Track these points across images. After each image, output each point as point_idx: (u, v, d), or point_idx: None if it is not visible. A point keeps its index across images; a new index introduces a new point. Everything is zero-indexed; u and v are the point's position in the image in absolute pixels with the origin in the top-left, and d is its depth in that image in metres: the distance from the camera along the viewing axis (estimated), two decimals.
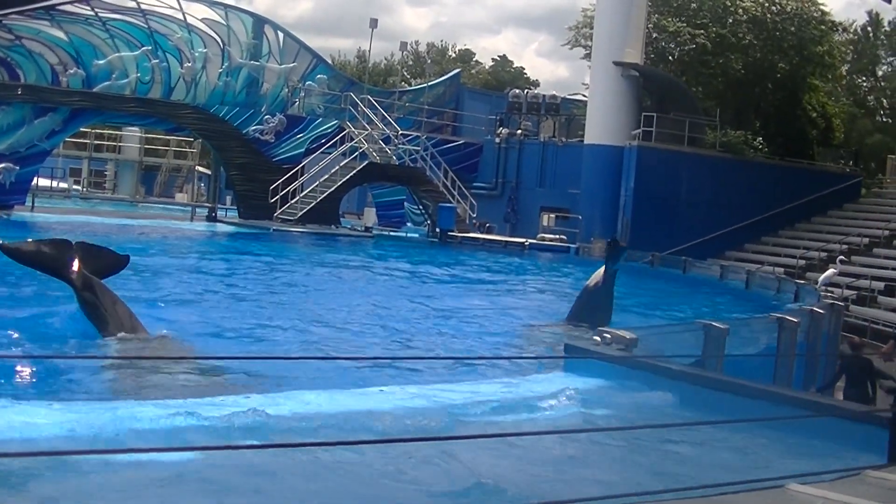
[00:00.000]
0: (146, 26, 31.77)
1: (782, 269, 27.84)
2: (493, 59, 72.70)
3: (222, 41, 33.28)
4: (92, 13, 30.86)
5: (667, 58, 39.93)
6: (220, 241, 28.68)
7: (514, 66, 71.63)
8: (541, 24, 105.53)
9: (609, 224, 32.73)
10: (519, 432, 6.59)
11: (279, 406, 6.85)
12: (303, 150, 34.18)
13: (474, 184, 37.47)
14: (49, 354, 9.26)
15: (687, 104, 34.55)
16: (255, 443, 5.67)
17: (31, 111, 29.76)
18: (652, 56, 38.26)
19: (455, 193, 34.58)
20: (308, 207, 32.04)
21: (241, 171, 33.56)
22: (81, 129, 36.07)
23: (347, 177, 32.76)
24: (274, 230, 30.78)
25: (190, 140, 42.06)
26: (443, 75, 44.67)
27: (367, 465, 5.76)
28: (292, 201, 32.44)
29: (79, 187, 43.20)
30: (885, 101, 49.63)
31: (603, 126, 33.73)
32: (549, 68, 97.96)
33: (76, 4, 30.51)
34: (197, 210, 36.60)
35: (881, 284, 24.52)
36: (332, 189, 32.54)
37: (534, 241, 32.84)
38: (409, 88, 43.72)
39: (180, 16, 32.44)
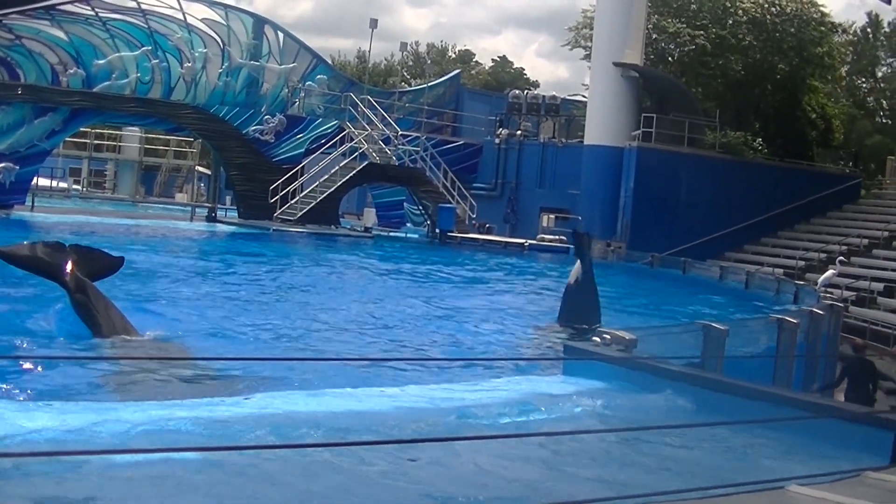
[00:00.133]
0: (146, 26, 31.77)
1: (782, 270, 27.85)
2: (493, 60, 72.79)
3: (222, 41, 33.27)
4: (92, 13, 30.86)
5: (666, 59, 39.97)
6: (219, 242, 28.65)
7: (514, 66, 71.71)
8: (541, 24, 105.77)
9: (609, 225, 32.74)
10: (519, 433, 6.59)
11: (279, 406, 6.85)
12: (303, 150, 34.17)
13: (474, 184, 37.46)
14: (49, 355, 9.27)
15: (687, 105, 34.56)
16: (255, 443, 5.66)
17: (31, 111, 29.75)
18: (652, 57, 38.28)
19: (455, 194, 34.57)
20: (308, 208, 32.03)
21: (240, 172, 33.56)
22: (81, 129, 36.07)
23: (347, 177, 32.75)
24: (274, 230, 30.77)
25: (190, 140, 42.05)
26: (443, 76, 44.65)
27: (368, 466, 5.76)
28: (292, 201, 32.42)
29: (79, 187, 43.20)
30: (884, 102, 49.64)
31: (603, 127, 33.73)
32: (548, 69, 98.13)
33: (76, 4, 30.50)
34: (197, 210, 36.57)
35: (880, 285, 24.52)
36: (332, 189, 32.53)
37: (533, 241, 32.84)
38: (408, 89, 43.70)
39: (180, 16, 32.44)
